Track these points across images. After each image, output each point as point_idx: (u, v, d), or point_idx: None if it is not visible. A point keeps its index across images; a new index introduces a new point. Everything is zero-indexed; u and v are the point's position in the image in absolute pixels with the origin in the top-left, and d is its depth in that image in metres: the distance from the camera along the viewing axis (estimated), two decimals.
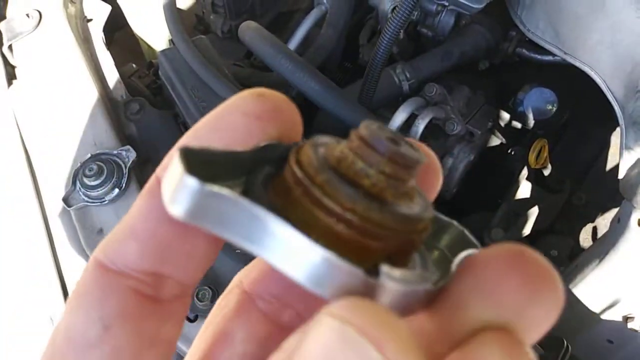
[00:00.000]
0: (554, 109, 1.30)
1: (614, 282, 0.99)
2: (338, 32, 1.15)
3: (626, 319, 1.00)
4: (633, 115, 0.91)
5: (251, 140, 0.24)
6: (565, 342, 0.90)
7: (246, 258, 0.79)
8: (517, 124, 1.48)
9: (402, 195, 0.22)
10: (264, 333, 0.28)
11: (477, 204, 1.44)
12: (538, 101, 1.31)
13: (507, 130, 1.49)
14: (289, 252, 0.19)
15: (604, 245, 1.02)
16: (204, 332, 0.29)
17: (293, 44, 1.34)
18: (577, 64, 0.99)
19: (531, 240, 1.34)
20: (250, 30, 1.00)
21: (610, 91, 0.95)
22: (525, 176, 1.33)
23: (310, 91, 0.90)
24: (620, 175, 0.97)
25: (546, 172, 1.31)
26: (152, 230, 0.23)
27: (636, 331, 1.00)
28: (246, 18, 1.31)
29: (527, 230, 1.29)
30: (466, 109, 1.34)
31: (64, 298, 0.88)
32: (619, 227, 0.97)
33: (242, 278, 0.31)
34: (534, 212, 1.29)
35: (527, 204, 1.29)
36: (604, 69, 0.94)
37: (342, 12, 1.14)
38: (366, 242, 0.20)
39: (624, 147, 0.94)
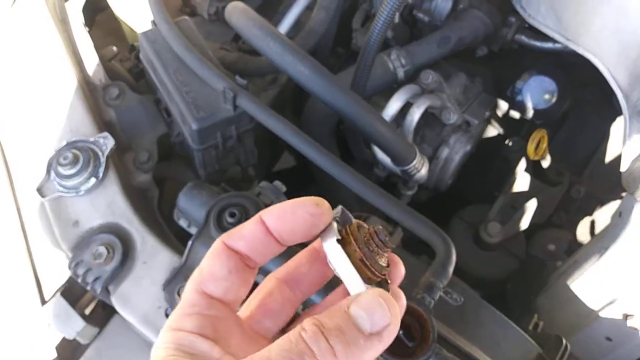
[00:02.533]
0: (554, 98, 1.25)
1: (613, 279, 0.96)
2: (330, 15, 1.09)
3: (626, 316, 0.96)
4: (638, 105, 0.87)
5: (311, 229, 0.44)
6: (564, 341, 0.86)
7: None
8: (515, 114, 1.43)
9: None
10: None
11: (474, 195, 1.40)
12: (537, 90, 1.26)
13: (505, 120, 1.45)
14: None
15: (604, 240, 0.98)
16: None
17: (283, 27, 1.28)
18: (580, 51, 0.94)
19: (529, 234, 1.30)
20: (236, 11, 0.94)
21: (615, 79, 0.91)
22: (524, 168, 1.29)
23: (299, 75, 0.85)
24: (623, 168, 0.92)
25: (545, 164, 1.26)
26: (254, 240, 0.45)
27: (636, 329, 0.96)
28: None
29: (524, 223, 1.26)
30: (463, 97, 1.29)
31: (38, 291, 0.83)
32: (620, 221, 0.93)
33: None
34: (531, 205, 1.25)
35: (524, 196, 1.25)
36: (608, 56, 0.90)
37: None
38: (373, 278, 0.44)
39: (628, 137, 0.90)
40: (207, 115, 0.85)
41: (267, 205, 0.78)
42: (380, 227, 0.45)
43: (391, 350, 0.64)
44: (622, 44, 0.92)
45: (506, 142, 1.38)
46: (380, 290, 0.42)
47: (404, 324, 0.69)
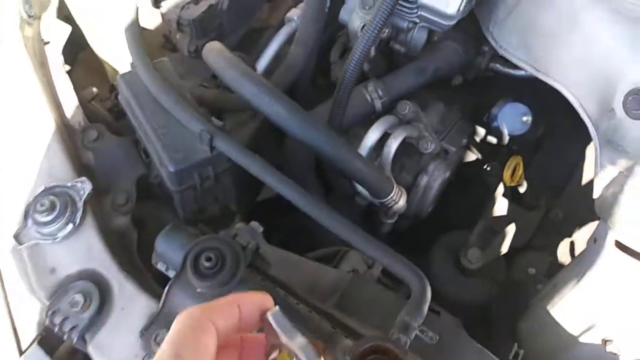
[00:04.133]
0: (528, 123, 1.28)
1: (591, 304, 0.97)
2: (307, 50, 1.11)
3: (605, 342, 0.97)
4: (607, 134, 0.89)
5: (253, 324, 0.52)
6: None
7: (207, 298, 0.75)
8: (493, 139, 1.46)
9: None
10: None
11: (454, 220, 1.42)
12: (512, 116, 1.29)
13: (483, 145, 1.47)
14: None
15: (581, 265, 0.99)
16: None
17: (263, 62, 1.30)
18: (550, 82, 0.97)
19: (509, 257, 1.31)
20: (213, 52, 0.96)
21: (584, 109, 0.93)
22: (502, 193, 1.31)
23: (274, 115, 0.86)
24: (595, 195, 0.94)
25: (522, 189, 1.28)
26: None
27: (615, 354, 0.97)
28: (213, 37, 1.27)
29: (504, 248, 1.27)
30: (441, 125, 1.31)
31: (14, 336, 0.82)
32: (595, 247, 0.95)
33: None
34: (510, 229, 1.26)
35: (503, 221, 1.27)
36: (577, 87, 0.92)
37: (311, 30, 1.11)
38: None
39: (599, 166, 0.92)
40: (183, 156, 0.86)
41: (243, 248, 0.78)
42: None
43: None
44: (591, 76, 0.94)
45: (484, 167, 1.40)
46: None
47: None
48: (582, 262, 0.99)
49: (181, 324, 0.48)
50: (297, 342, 0.51)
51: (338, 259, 0.97)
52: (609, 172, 0.90)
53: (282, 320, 0.52)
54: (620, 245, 0.89)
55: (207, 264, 0.75)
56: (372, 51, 1.22)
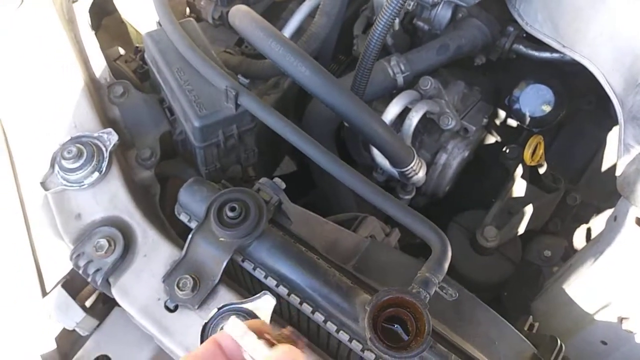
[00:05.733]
0: (550, 106, 1.27)
1: (608, 282, 0.97)
2: (331, 20, 1.12)
3: (621, 319, 0.97)
4: (632, 110, 0.88)
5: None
6: (558, 341, 0.87)
7: (228, 247, 0.76)
8: (513, 122, 1.45)
9: None
10: None
11: (471, 202, 1.42)
12: (534, 98, 1.28)
13: (503, 129, 1.47)
14: None
15: (599, 244, 0.99)
16: None
17: (286, 33, 1.30)
18: (577, 57, 0.96)
19: (525, 240, 1.31)
20: (240, 13, 0.96)
21: (610, 85, 0.93)
22: (520, 174, 1.31)
23: (299, 76, 0.87)
24: (618, 172, 0.94)
25: (541, 170, 1.28)
26: None
27: (631, 332, 0.97)
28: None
29: (520, 229, 1.27)
30: (461, 104, 1.31)
31: (39, 283, 0.84)
32: (615, 225, 0.94)
33: None
34: (528, 211, 1.26)
35: (521, 202, 1.26)
36: (603, 62, 0.92)
37: (336, 1, 1.11)
38: None
39: (622, 143, 0.91)
40: (209, 113, 0.87)
41: (266, 202, 0.79)
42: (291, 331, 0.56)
43: (388, 343, 0.65)
44: (617, 50, 0.94)
45: (504, 149, 1.40)
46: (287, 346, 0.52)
47: (400, 319, 0.70)
48: (601, 240, 0.99)
49: None
50: (246, 343, 0.52)
51: (356, 225, 0.97)
52: (633, 149, 0.90)
53: (238, 328, 0.53)
54: None
55: (230, 214, 0.76)
56: (397, 24, 1.22)
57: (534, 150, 1.21)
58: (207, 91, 0.89)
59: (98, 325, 0.86)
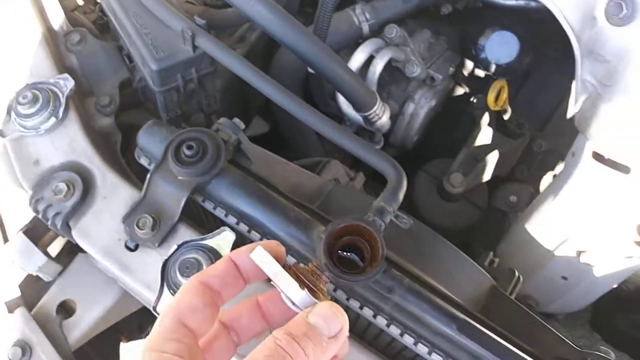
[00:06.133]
0: (516, 53, 1.28)
1: (567, 218, 0.99)
2: None
3: (579, 253, 1.00)
4: (588, 44, 0.89)
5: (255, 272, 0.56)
6: (516, 273, 0.90)
7: (187, 185, 0.76)
8: (481, 73, 1.46)
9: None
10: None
11: (440, 153, 1.43)
12: (499, 45, 1.29)
13: (471, 79, 1.47)
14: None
15: (558, 181, 1.02)
16: None
17: None
18: None
19: (492, 187, 1.34)
20: None
21: (567, 21, 0.93)
22: (487, 123, 1.32)
23: (256, 16, 0.86)
24: (576, 109, 0.96)
25: (506, 117, 1.30)
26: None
27: (589, 265, 1.00)
28: None
29: (486, 175, 1.29)
30: (428, 53, 1.31)
31: (1, 231, 0.84)
32: (573, 161, 0.97)
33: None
34: (493, 157, 1.28)
35: (486, 149, 1.28)
36: None
37: None
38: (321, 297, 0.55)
39: (579, 79, 0.93)
40: (166, 55, 0.86)
41: (225, 141, 0.79)
42: (315, 264, 0.58)
43: (345, 270, 0.67)
44: None
45: (471, 99, 1.41)
46: (331, 302, 0.52)
47: (356, 247, 0.72)
48: (560, 177, 1.01)
49: (176, 296, 0.53)
50: (272, 272, 0.54)
51: (320, 168, 0.98)
52: (589, 84, 0.91)
53: (262, 256, 0.54)
54: (597, 156, 0.91)
55: (188, 153, 0.76)
56: None
57: (497, 95, 1.22)
58: (165, 34, 0.88)
59: (62, 272, 0.86)
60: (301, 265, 0.60)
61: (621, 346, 1.53)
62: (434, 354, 0.69)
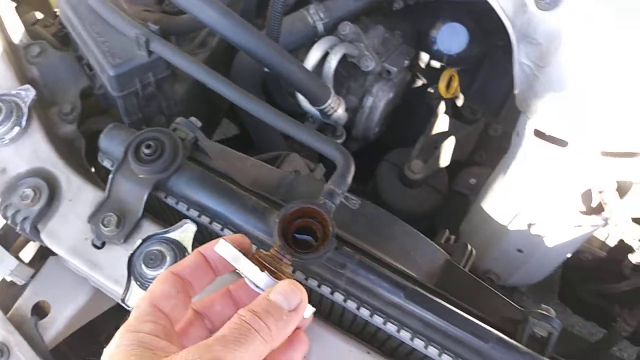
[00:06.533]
0: (465, 43, 1.34)
1: (516, 193, 1.05)
2: None
3: (529, 225, 1.06)
4: (522, 29, 0.95)
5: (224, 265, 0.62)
6: (469, 246, 0.95)
7: (148, 182, 0.80)
8: (437, 64, 1.52)
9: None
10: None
11: (403, 143, 1.49)
12: (450, 37, 1.35)
13: (428, 70, 1.53)
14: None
15: (506, 159, 1.07)
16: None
17: None
18: None
19: (452, 172, 1.39)
20: None
21: (502, 9, 0.99)
22: (443, 111, 1.38)
23: (208, 20, 0.90)
24: (516, 90, 1.02)
25: (459, 103, 1.36)
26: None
27: (540, 236, 1.06)
28: None
29: (445, 161, 1.34)
30: (382, 47, 1.37)
31: None
32: (517, 139, 1.03)
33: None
34: (451, 143, 1.34)
35: (444, 136, 1.34)
36: None
37: None
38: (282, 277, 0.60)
39: (517, 62, 0.99)
40: (122, 61, 0.90)
41: (182, 139, 0.84)
42: (277, 249, 0.64)
43: (296, 248, 0.72)
44: None
45: (428, 90, 1.47)
46: (290, 280, 0.58)
47: (310, 229, 0.76)
48: (508, 155, 1.07)
49: (150, 286, 0.58)
50: (235, 261, 0.59)
51: (280, 162, 1.02)
52: (526, 66, 0.97)
53: (226, 248, 0.60)
54: (538, 133, 0.97)
55: (147, 151, 0.80)
56: None
57: (448, 83, 1.28)
58: (120, 41, 0.92)
59: (35, 275, 0.90)
60: (262, 252, 0.65)
61: (589, 316, 1.60)
62: (388, 323, 0.74)
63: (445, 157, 1.34)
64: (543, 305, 0.73)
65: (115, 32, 0.92)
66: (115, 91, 0.93)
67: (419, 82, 1.53)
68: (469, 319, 0.70)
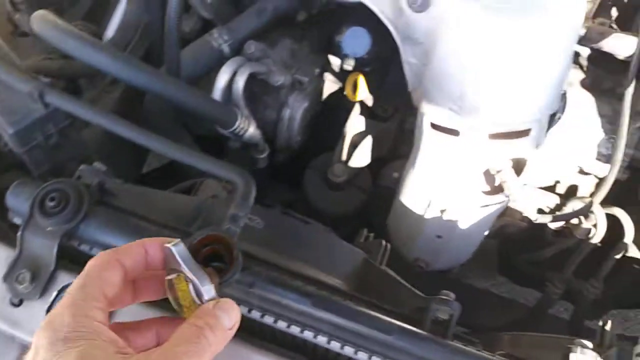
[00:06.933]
0: (369, 45, 1.39)
1: (425, 183, 1.11)
2: (141, 6, 1.17)
3: (442, 212, 1.12)
4: (403, 31, 1.01)
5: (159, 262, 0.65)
6: (383, 242, 1.00)
7: (57, 234, 0.82)
8: (350, 68, 1.57)
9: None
10: None
11: (326, 147, 1.53)
12: (353, 40, 1.40)
13: (343, 75, 1.58)
14: None
15: (413, 152, 1.13)
16: None
17: (110, 30, 1.34)
18: None
19: (375, 168, 1.44)
20: (35, 17, 1.00)
21: (384, 14, 1.04)
22: (358, 112, 1.43)
23: (97, 64, 0.92)
24: (409, 88, 1.07)
25: (370, 103, 1.41)
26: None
27: (452, 221, 1.12)
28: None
29: (366, 160, 1.40)
30: (292, 60, 1.41)
31: None
32: (419, 133, 1.08)
33: None
34: (369, 141, 1.39)
35: (361, 135, 1.39)
36: None
37: None
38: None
39: (405, 62, 1.04)
40: (20, 117, 0.92)
41: (86, 187, 0.86)
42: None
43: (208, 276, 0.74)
44: None
45: (344, 93, 1.51)
46: (229, 299, 0.60)
47: (219, 256, 0.80)
48: (414, 148, 1.13)
49: (89, 264, 0.58)
50: (191, 269, 0.61)
51: (195, 190, 1.05)
52: (413, 64, 1.03)
53: (182, 251, 0.62)
54: (434, 126, 1.03)
55: (51, 204, 0.82)
56: None
57: (354, 87, 1.33)
58: (16, 98, 0.93)
59: None
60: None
61: (528, 284, 1.68)
62: (305, 331, 0.78)
63: (365, 156, 1.39)
64: (443, 291, 0.79)
65: (10, 89, 0.94)
66: (17, 147, 0.94)
67: (335, 86, 1.58)
68: (372, 315, 0.75)
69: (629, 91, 1.12)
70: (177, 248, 0.62)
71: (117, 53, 0.93)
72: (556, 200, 1.33)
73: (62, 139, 0.99)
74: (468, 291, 1.69)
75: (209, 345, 0.54)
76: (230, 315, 0.58)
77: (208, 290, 0.60)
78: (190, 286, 0.61)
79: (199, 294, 0.61)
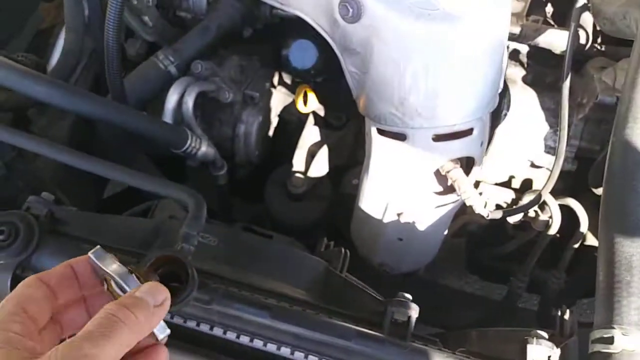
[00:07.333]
0: (316, 56, 1.42)
1: (380, 187, 1.13)
2: (79, 35, 1.17)
3: (399, 215, 1.14)
4: (341, 43, 1.03)
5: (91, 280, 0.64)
6: (343, 250, 1.02)
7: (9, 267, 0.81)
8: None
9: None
10: None
11: (285, 159, 1.54)
12: (300, 52, 1.42)
13: (295, 87, 1.60)
14: None
15: (366, 159, 1.15)
16: None
17: (53, 60, 1.33)
18: (291, 10, 1.10)
19: (338, 175, 1.46)
20: None
21: (321, 27, 1.06)
22: (312, 123, 1.46)
23: (38, 94, 0.91)
24: (354, 96, 1.10)
25: (322, 113, 1.43)
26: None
27: (410, 222, 1.15)
28: None
29: (324, 168, 1.42)
30: (241, 76, 1.42)
31: None
32: (368, 139, 1.11)
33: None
34: (325, 150, 1.41)
35: (317, 145, 1.41)
36: (308, 9, 1.06)
37: (77, 16, 1.16)
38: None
39: (347, 71, 1.06)
40: None
41: (36, 217, 0.85)
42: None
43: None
44: None
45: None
46: (153, 282, 0.61)
47: (174, 275, 0.80)
48: (366, 155, 1.15)
49: (16, 289, 0.58)
50: (112, 268, 0.61)
51: (152, 212, 1.05)
52: (355, 74, 1.05)
53: (101, 254, 0.61)
54: (380, 132, 1.06)
55: (0, 237, 0.81)
56: (149, 20, 1.30)
57: (305, 99, 1.35)
58: None
59: None
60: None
61: (496, 279, 1.72)
62: (268, 344, 0.79)
63: (323, 165, 1.41)
64: (400, 293, 0.80)
65: None
66: None
67: (288, 99, 1.59)
68: (331, 323, 0.76)
69: (566, 84, 1.17)
70: (95, 254, 0.61)
71: (56, 82, 0.93)
72: (512, 195, 1.37)
73: (9, 172, 0.98)
74: (442, 291, 1.72)
75: (132, 321, 0.53)
76: (155, 294, 0.58)
77: (130, 280, 0.60)
78: (113, 283, 0.61)
79: (122, 288, 0.60)
